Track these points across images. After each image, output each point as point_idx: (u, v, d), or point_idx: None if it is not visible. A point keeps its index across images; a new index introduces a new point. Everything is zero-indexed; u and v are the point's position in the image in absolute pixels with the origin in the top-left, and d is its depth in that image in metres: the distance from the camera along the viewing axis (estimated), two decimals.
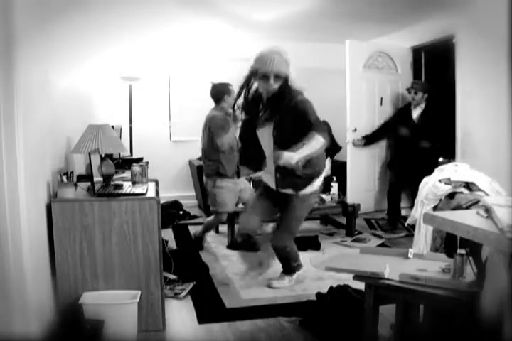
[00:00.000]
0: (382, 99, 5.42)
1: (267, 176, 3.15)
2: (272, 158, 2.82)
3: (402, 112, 5.19)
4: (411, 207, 4.94)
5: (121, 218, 2.61)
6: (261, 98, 2.97)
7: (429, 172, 3.51)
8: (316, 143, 2.67)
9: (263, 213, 3.17)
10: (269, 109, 2.91)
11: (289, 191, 3.06)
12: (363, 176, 5.77)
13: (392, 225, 5.08)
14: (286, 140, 2.83)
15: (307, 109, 2.80)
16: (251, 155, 3.19)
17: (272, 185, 3.10)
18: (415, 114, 4.99)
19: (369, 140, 5.49)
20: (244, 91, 2.94)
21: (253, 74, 2.85)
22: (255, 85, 2.93)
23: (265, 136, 3.00)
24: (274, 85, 2.80)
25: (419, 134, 4.87)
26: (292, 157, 2.56)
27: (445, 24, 4.94)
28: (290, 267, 3.39)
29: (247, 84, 2.91)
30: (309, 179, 3.03)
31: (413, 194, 4.42)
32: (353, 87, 5.57)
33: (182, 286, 3.34)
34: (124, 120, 5.90)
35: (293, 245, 3.27)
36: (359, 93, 5.64)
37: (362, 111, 5.65)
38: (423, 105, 4.94)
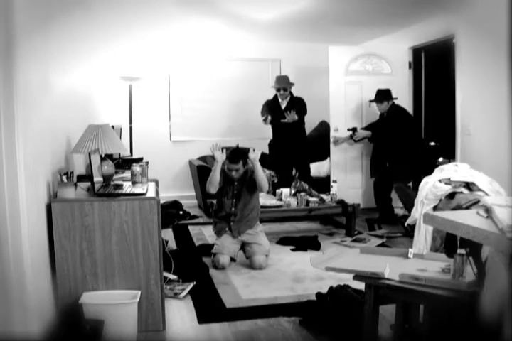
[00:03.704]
0: (370, 101, 5.50)
1: None
2: None
3: (272, 102, 5.89)
4: (404, 207, 5.00)
5: (121, 218, 2.62)
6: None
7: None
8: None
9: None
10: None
11: None
12: (348, 173, 5.94)
13: None
14: None
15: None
16: None
17: None
18: (283, 105, 5.81)
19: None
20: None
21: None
22: None
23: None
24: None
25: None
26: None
27: (445, 24, 4.95)
28: None
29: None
30: None
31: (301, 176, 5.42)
32: (337, 90, 5.78)
33: (182, 286, 3.34)
34: (124, 120, 5.89)
35: None
36: (344, 95, 5.81)
37: (348, 112, 5.83)
38: (289, 98, 5.81)
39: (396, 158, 5.21)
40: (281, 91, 5.73)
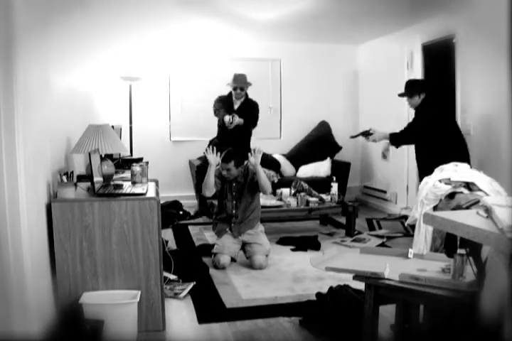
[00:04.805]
0: (399, 94, 4.99)
1: None
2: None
3: (226, 100, 5.55)
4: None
5: (121, 218, 2.62)
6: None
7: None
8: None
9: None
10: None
11: None
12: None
13: None
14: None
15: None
16: None
17: None
18: (236, 105, 5.52)
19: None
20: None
21: None
22: None
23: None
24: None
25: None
26: None
27: (445, 24, 4.94)
28: None
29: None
30: None
31: None
32: (400, 85, 4.79)
33: (182, 286, 3.34)
34: (124, 120, 5.89)
35: None
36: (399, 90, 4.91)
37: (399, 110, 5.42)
38: (243, 99, 5.51)
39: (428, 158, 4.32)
40: (238, 90, 5.40)
